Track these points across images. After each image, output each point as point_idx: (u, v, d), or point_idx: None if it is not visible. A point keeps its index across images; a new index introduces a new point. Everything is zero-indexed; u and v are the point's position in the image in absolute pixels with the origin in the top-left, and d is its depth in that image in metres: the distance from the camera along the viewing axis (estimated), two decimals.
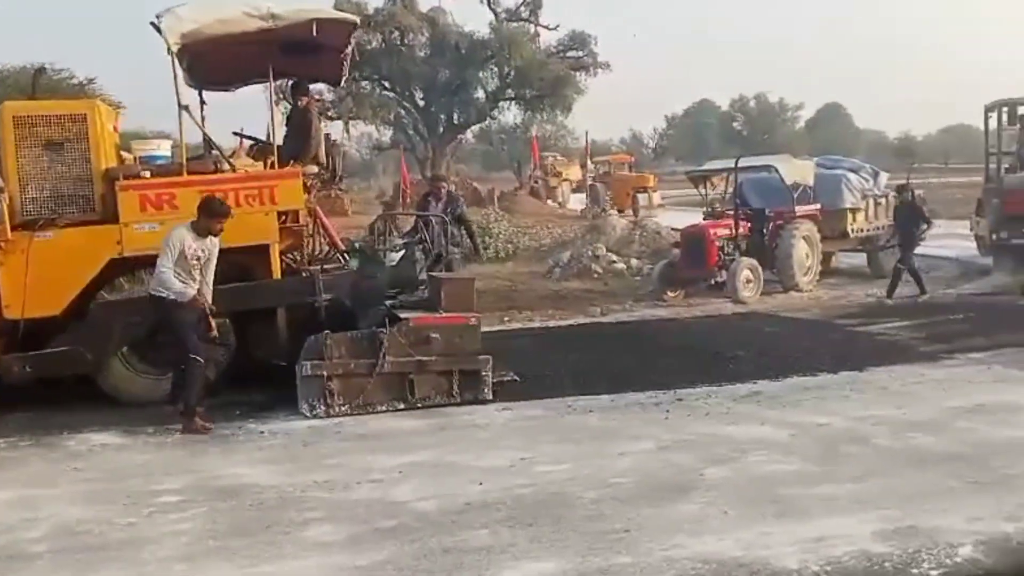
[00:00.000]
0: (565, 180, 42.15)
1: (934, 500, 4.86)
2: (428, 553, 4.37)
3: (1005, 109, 16.88)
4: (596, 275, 16.44)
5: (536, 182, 37.66)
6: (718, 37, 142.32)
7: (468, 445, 6.24)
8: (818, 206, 14.46)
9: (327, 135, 9.40)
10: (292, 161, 8.25)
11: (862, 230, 15.34)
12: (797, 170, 14.39)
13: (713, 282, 13.63)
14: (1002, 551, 4.20)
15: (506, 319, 12.17)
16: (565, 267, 17.06)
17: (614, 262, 16.94)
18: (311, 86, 9.31)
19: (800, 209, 14.12)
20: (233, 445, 6.55)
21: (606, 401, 7.29)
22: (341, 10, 25.50)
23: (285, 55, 8.24)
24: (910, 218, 13.33)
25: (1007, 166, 16.38)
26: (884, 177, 16.32)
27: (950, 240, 18.90)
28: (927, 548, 4.22)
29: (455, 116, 27.30)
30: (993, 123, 16.99)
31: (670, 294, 13.68)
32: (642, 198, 33.79)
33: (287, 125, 8.92)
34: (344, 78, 9.50)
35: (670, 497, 5.05)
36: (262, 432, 6.81)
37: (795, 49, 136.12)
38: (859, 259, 16.17)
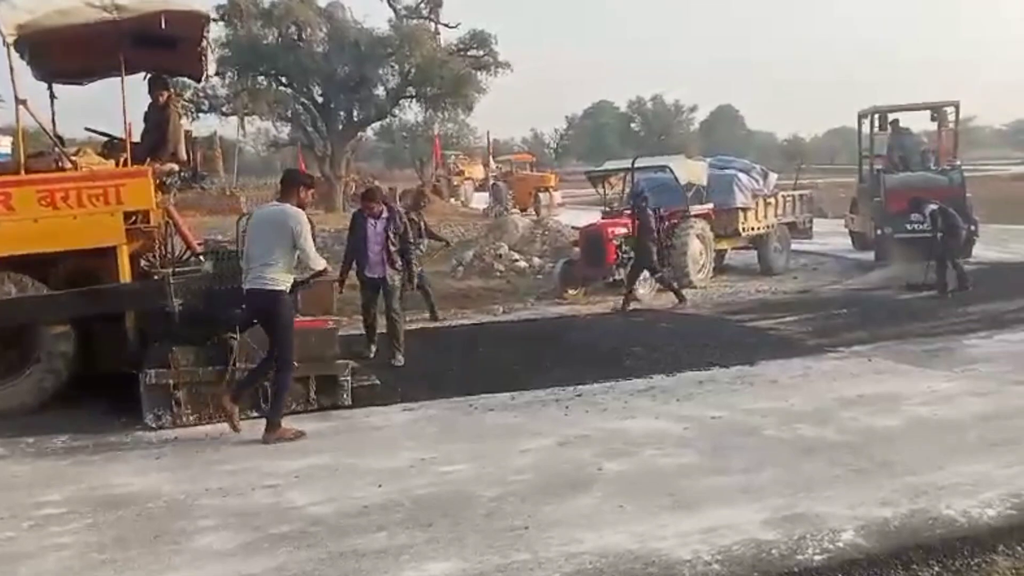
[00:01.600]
0: (468, 179, 42.20)
1: (819, 488, 5.06)
2: (324, 558, 4.30)
3: (876, 115, 18.27)
4: (499, 273, 16.52)
5: (439, 181, 37.57)
6: (617, 40, 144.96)
7: (367, 447, 6.17)
8: (711, 205, 14.90)
9: (187, 131, 9.01)
10: (149, 159, 7.88)
11: (753, 228, 15.89)
12: (691, 170, 14.81)
13: (611, 279, 13.89)
14: (880, 535, 4.41)
15: (408, 319, 12.06)
16: (468, 266, 17.09)
17: (516, 260, 17.08)
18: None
19: (694, 208, 14.52)
20: (121, 453, 6.30)
21: (507, 399, 7.33)
22: (236, 3, 24.96)
23: (138, 48, 7.80)
24: (643, 227, 12.83)
25: (879, 167, 17.66)
26: (773, 177, 16.97)
27: (834, 238, 19.87)
28: (812, 534, 4.40)
29: (355, 113, 26.85)
30: (867, 128, 18.45)
31: (570, 292, 13.87)
32: (543, 197, 34.07)
33: (145, 121, 8.54)
34: (205, 73, 9.11)
35: (569, 493, 5.11)
36: (152, 439, 6.56)
37: (691, 52, 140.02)
38: (750, 256, 16.72)
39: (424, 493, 5.16)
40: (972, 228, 15.36)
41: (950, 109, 18.40)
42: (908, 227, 15.43)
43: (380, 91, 26.81)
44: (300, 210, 6.51)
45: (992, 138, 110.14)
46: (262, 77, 25.95)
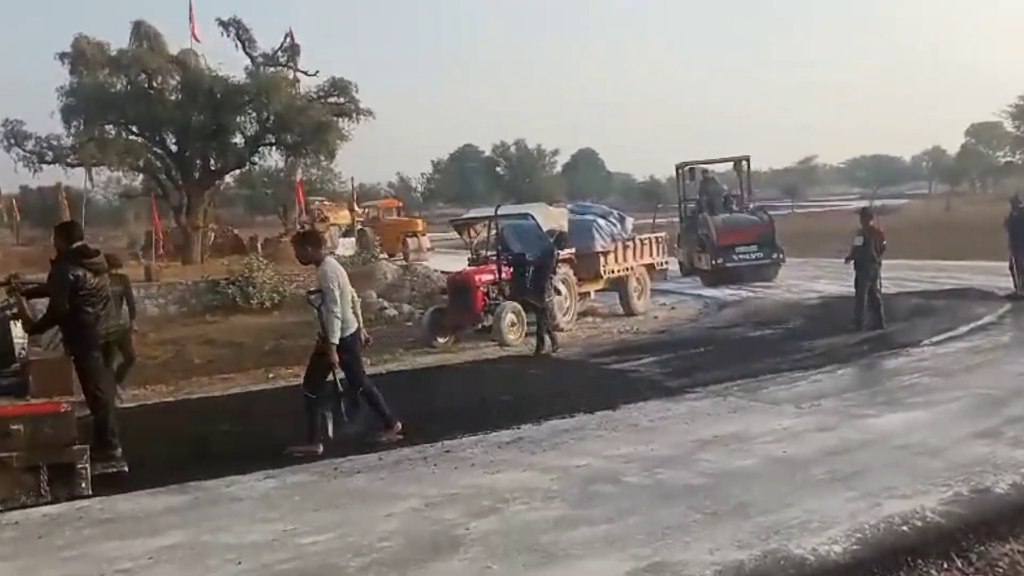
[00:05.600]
0: (333, 225, 41.65)
1: (679, 534, 5.22)
2: None
3: (688, 168, 23.69)
4: (367, 322, 16.28)
5: (302, 227, 36.93)
6: (479, 86, 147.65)
7: (226, 521, 5.90)
8: (572, 250, 15.27)
9: None
10: None
11: (613, 271, 16.39)
12: (552, 217, 15.17)
13: (480, 326, 13.97)
14: None
15: (271, 376, 11.75)
16: None
17: (384, 308, 16.91)
18: None
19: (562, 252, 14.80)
20: None
21: (373, 460, 7.20)
22: (81, 50, 23.89)
23: None
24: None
25: (694, 209, 22.67)
26: (630, 222, 17.58)
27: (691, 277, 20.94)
28: None
29: (212, 161, 26.03)
30: (685, 178, 23.67)
31: (440, 340, 13.86)
32: (412, 242, 34.08)
33: None
34: None
35: (436, 556, 5.06)
36: None
37: (550, 97, 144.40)
38: (612, 297, 17.20)
39: (287, 568, 4.99)
40: (779, 256, 20.33)
41: (744, 163, 23.65)
42: (736, 257, 19.94)
43: (238, 139, 26.14)
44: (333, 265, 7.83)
45: (832, 175, 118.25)
46: (111, 126, 24.85)
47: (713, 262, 20.10)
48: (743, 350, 11.92)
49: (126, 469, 7.05)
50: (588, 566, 4.81)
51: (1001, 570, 4.69)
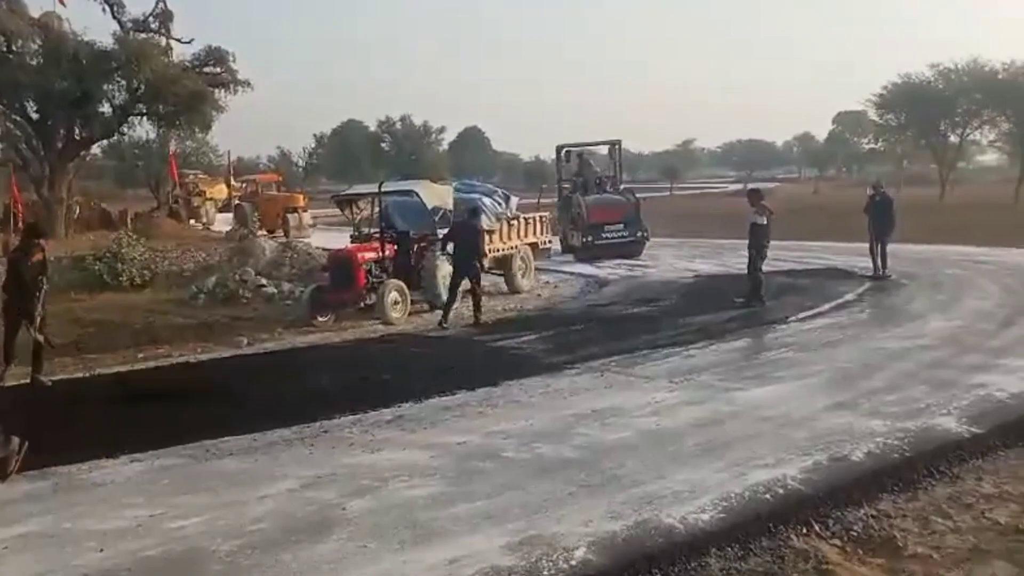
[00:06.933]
0: (209, 199, 40.19)
1: (554, 507, 5.30)
2: None
3: (565, 151, 25.29)
4: (245, 300, 15.83)
5: (176, 202, 35.45)
6: (364, 59, 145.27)
7: (88, 507, 5.63)
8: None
9: None
10: None
11: (498, 250, 16.43)
12: (437, 194, 15.08)
13: (363, 304, 13.77)
14: (610, 549, 4.70)
15: (140, 356, 11.24)
16: (210, 293, 16.23)
17: (263, 286, 16.44)
18: None
19: (441, 231, 14.73)
20: None
21: (248, 441, 7.00)
22: None
23: None
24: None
25: (568, 188, 24.16)
26: (515, 201, 17.65)
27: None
28: (547, 555, 4.60)
29: (77, 131, 24.60)
30: (564, 159, 25.15)
31: (320, 319, 13.58)
32: (292, 218, 33.21)
33: None
34: None
35: (311, 537, 4.97)
36: None
37: (437, 74, 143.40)
38: (496, 277, 17.24)
39: (152, 554, 4.81)
40: (643, 235, 21.66)
41: (617, 146, 25.39)
42: (604, 236, 21.33)
43: (106, 108, 24.80)
44: None
45: (710, 158, 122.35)
46: None
47: (584, 239, 21.43)
48: (622, 327, 12.17)
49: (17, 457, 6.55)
50: (465, 541, 4.83)
51: (856, 533, 4.98)
